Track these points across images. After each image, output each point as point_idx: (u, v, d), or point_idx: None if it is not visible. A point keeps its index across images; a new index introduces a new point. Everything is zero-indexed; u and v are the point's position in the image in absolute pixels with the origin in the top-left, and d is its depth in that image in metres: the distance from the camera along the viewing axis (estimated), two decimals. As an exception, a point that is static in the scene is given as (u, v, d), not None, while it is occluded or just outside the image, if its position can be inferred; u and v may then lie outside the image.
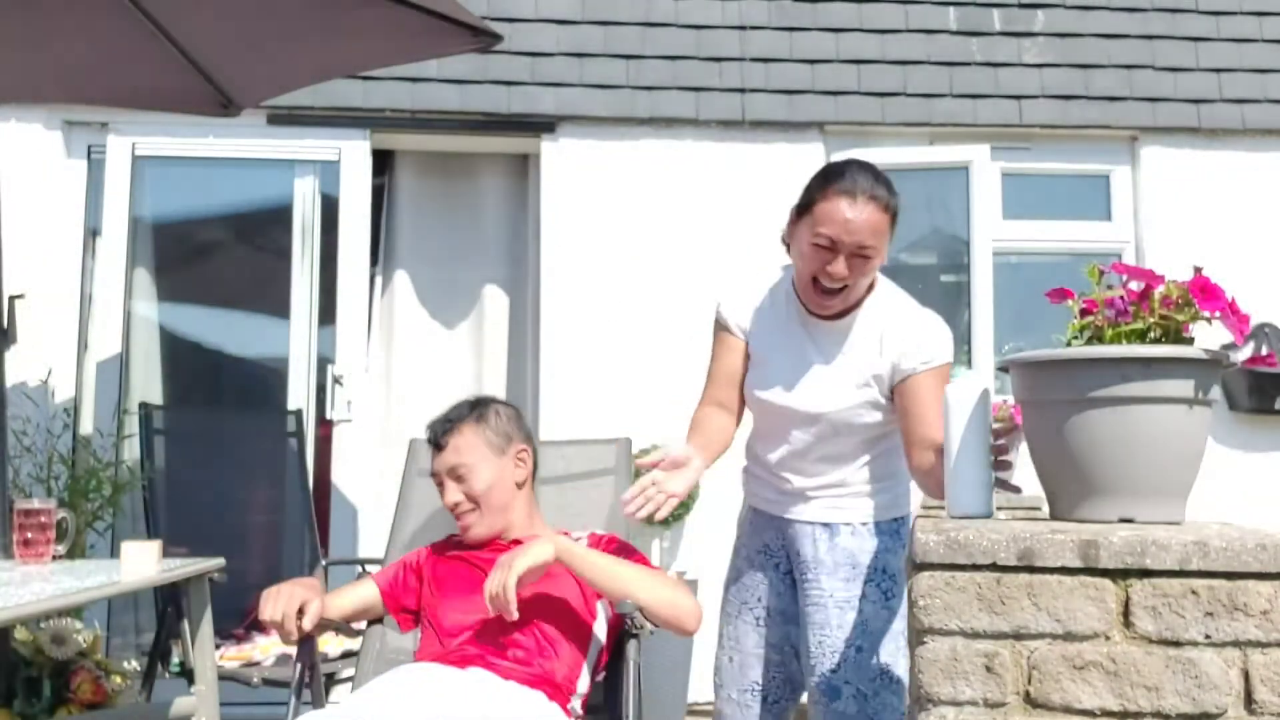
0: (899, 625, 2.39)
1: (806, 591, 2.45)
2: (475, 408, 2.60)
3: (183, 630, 2.79)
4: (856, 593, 2.41)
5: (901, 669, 2.38)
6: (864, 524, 2.45)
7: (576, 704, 2.35)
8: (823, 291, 2.35)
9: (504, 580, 2.15)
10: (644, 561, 2.51)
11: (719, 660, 2.60)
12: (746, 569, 2.59)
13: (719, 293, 2.60)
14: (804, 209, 2.36)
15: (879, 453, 2.46)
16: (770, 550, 2.55)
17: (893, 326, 2.39)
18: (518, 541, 2.53)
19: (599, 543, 2.54)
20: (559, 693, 2.29)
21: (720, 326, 2.56)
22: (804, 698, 2.54)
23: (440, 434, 2.55)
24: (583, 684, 2.37)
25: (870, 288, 2.43)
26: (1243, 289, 5.40)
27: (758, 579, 2.55)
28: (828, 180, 2.33)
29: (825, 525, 2.46)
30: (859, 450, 2.45)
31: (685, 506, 4.52)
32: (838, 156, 4.88)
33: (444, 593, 2.47)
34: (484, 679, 2.21)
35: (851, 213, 2.27)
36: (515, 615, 2.15)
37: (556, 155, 4.84)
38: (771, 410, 2.46)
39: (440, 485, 2.55)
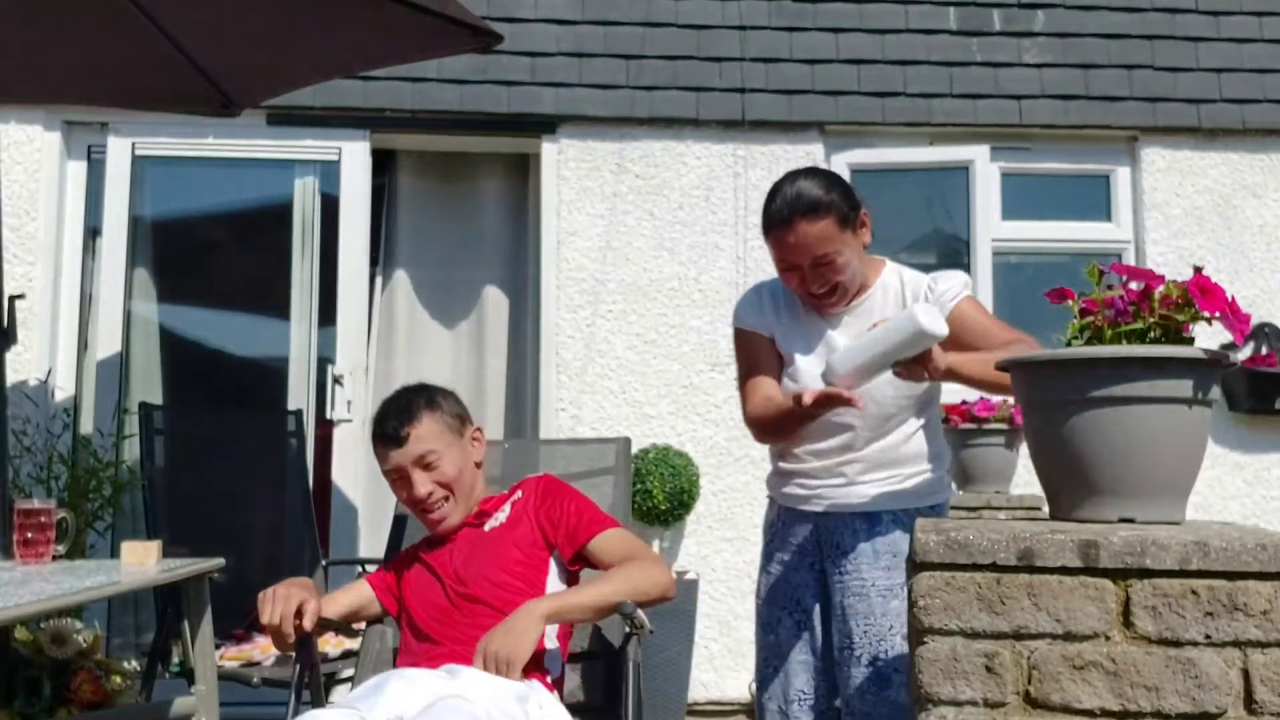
0: None
1: (846, 583, 2.44)
2: (422, 394, 2.51)
3: (183, 630, 2.79)
4: (899, 580, 2.41)
5: None
6: (904, 511, 2.46)
7: (554, 666, 2.34)
8: (815, 297, 2.45)
9: (509, 676, 2.12)
10: (573, 496, 2.48)
11: (761, 672, 2.56)
12: (781, 572, 2.56)
13: (734, 303, 2.65)
14: (764, 234, 2.47)
15: (920, 430, 2.50)
16: (805, 549, 2.53)
17: (910, 286, 2.48)
18: (468, 523, 2.49)
19: (536, 486, 2.51)
20: (533, 666, 2.26)
21: (748, 333, 2.58)
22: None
23: (399, 426, 2.43)
24: (552, 661, 2.36)
25: (878, 268, 2.53)
26: (1242, 289, 5.40)
27: (794, 583, 2.53)
28: (765, 211, 2.45)
29: (866, 515, 2.46)
30: (902, 424, 2.48)
31: (685, 506, 4.53)
32: (838, 156, 4.91)
33: (406, 596, 2.47)
34: (459, 670, 2.17)
35: (792, 238, 2.39)
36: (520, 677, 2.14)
37: (556, 155, 4.84)
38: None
39: (401, 480, 2.45)
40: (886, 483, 2.47)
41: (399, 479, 2.45)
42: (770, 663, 2.54)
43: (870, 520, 2.46)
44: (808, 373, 2.47)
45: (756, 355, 2.56)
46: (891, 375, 2.28)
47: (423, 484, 2.42)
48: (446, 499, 2.44)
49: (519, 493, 2.51)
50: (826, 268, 2.40)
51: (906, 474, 2.48)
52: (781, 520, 2.60)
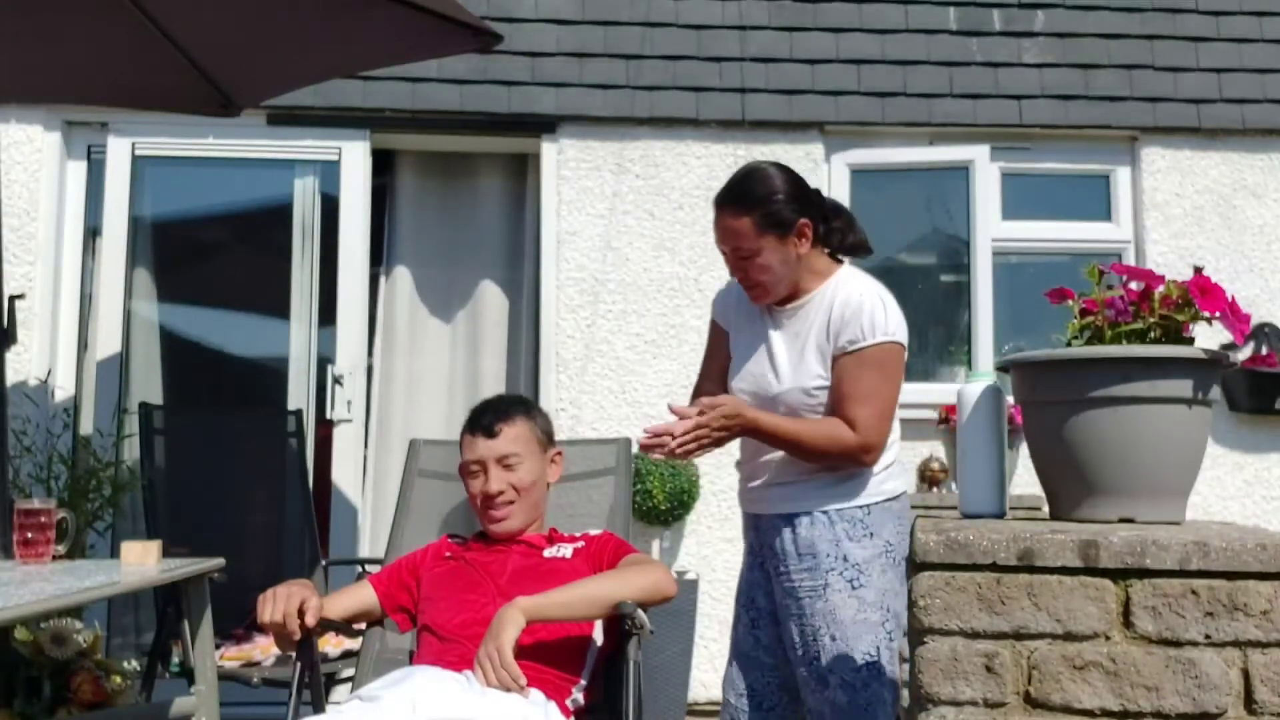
0: (877, 616, 2.41)
1: (782, 584, 2.49)
2: (521, 402, 2.68)
3: (183, 630, 2.79)
4: (821, 582, 2.43)
5: (887, 661, 2.40)
6: (824, 512, 2.45)
7: (579, 694, 2.35)
8: (745, 285, 2.51)
9: (501, 663, 2.14)
10: (620, 541, 2.55)
11: (726, 669, 2.62)
12: (741, 571, 2.65)
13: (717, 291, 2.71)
14: None
15: None
16: (754, 549, 2.60)
17: (838, 309, 2.45)
18: (529, 541, 2.53)
19: (595, 542, 2.54)
20: (556, 690, 2.28)
21: (712, 322, 2.69)
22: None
23: (494, 421, 2.55)
24: (582, 680, 2.37)
25: (824, 275, 2.51)
26: (1242, 289, 5.39)
27: (749, 581, 2.60)
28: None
29: (785, 517, 2.48)
30: None
31: (685, 506, 4.53)
32: (838, 156, 4.91)
33: (439, 595, 2.47)
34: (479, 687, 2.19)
35: (718, 226, 2.48)
36: (525, 682, 2.15)
37: (556, 155, 4.84)
38: (742, 397, 2.52)
39: (477, 473, 2.54)
40: (805, 484, 2.47)
41: (476, 472, 2.55)
42: (730, 657, 2.61)
43: (791, 522, 2.47)
44: (740, 360, 2.55)
45: (710, 348, 2.68)
46: (806, 400, 2.42)
47: (497, 481, 2.51)
48: (512, 502, 2.52)
49: (582, 542, 2.57)
50: (744, 262, 2.45)
51: (817, 481, 2.47)
52: (742, 522, 2.69)
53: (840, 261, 2.56)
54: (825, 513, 2.45)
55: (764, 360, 2.52)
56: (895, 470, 2.53)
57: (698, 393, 2.63)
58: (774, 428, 2.41)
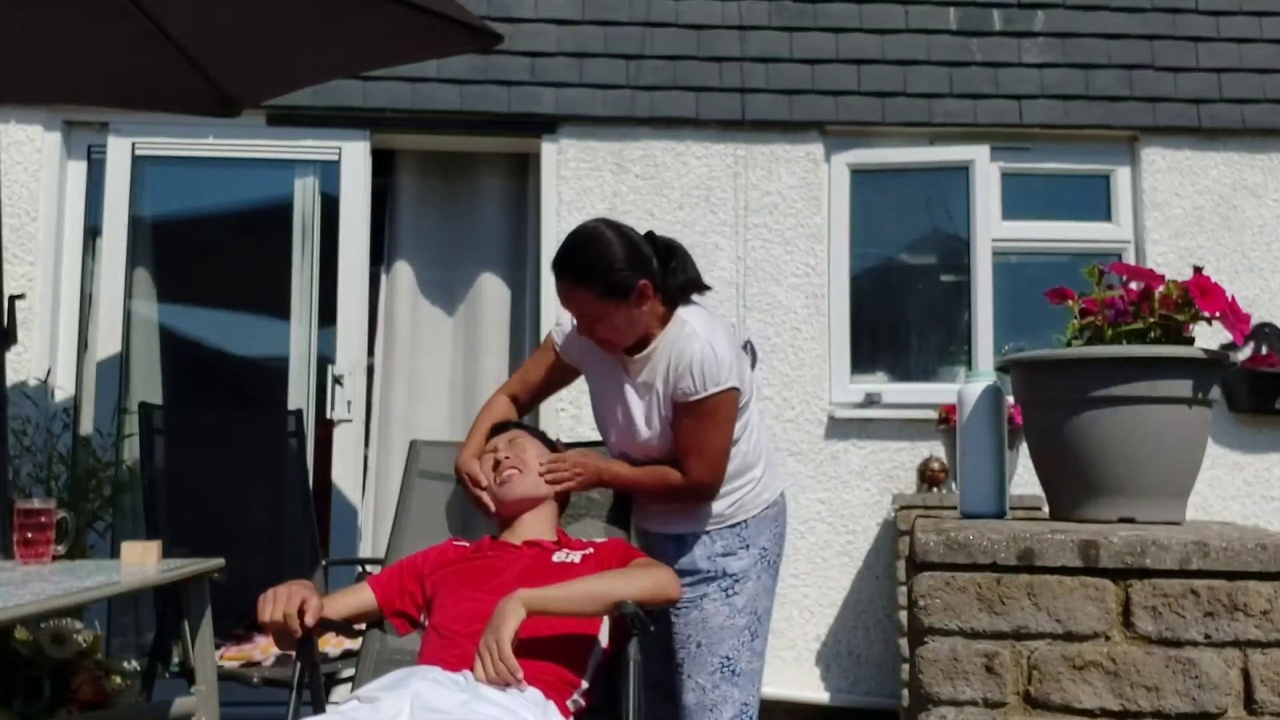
0: (743, 621, 2.59)
1: None
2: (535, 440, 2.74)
3: (183, 630, 2.79)
4: (698, 594, 2.61)
5: (745, 661, 2.58)
6: (705, 532, 2.63)
7: (579, 697, 2.35)
8: (594, 341, 2.62)
9: (499, 655, 2.15)
10: (633, 550, 2.56)
11: None
12: None
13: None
14: None
15: None
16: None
17: (674, 360, 2.55)
18: (531, 541, 2.53)
19: (603, 549, 2.54)
20: (556, 691, 2.28)
21: (550, 344, 2.80)
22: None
23: (502, 429, 2.72)
24: (584, 684, 2.37)
25: (667, 319, 2.59)
26: (1242, 289, 5.39)
27: None
28: (559, 249, 2.60)
29: (671, 536, 2.67)
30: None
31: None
32: (838, 156, 4.91)
33: (442, 596, 2.46)
34: (479, 688, 2.18)
35: (559, 291, 2.58)
36: (522, 676, 2.16)
37: (556, 155, 4.84)
38: (610, 439, 2.73)
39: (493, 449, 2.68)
40: (681, 512, 2.65)
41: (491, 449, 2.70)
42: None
43: (676, 540, 2.66)
44: (601, 404, 2.69)
45: (533, 361, 2.85)
46: (664, 432, 2.55)
47: (502, 450, 2.64)
48: (516, 470, 2.60)
49: (591, 549, 2.57)
50: (591, 323, 2.55)
51: (694, 504, 2.64)
52: (634, 532, 2.81)
53: (677, 303, 2.62)
54: (707, 532, 2.63)
55: (627, 413, 2.64)
56: (768, 479, 2.70)
57: (503, 389, 2.84)
58: (616, 477, 2.65)
